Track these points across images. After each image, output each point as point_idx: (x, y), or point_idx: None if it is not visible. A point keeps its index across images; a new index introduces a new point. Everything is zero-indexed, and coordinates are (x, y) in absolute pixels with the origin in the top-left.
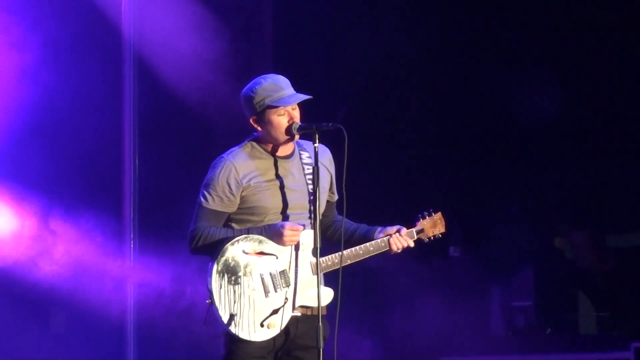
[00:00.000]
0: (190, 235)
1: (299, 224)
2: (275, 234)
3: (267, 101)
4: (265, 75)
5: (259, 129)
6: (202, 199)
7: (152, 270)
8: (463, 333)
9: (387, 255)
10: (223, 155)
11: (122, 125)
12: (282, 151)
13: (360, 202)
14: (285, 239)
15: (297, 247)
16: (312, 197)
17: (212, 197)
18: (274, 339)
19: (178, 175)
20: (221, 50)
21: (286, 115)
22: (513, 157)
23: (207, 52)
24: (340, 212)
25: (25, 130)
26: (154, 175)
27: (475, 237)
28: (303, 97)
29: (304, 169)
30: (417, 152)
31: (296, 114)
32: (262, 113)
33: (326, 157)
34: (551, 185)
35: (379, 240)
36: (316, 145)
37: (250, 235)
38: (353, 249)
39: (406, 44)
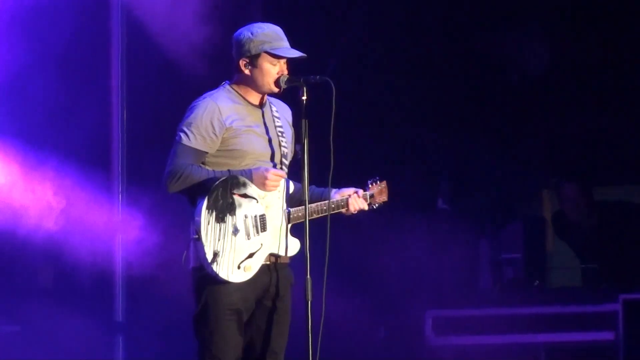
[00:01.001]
0: (169, 173)
1: (283, 172)
2: (258, 176)
3: (266, 47)
4: (265, 23)
5: (246, 72)
6: (182, 136)
7: (142, 224)
8: (451, 286)
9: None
10: (204, 95)
11: (110, 75)
12: (256, 100)
13: (346, 158)
14: (268, 182)
15: (275, 194)
16: (282, 149)
17: (195, 135)
18: (245, 288)
19: (168, 126)
20: (210, 4)
21: (277, 67)
22: (502, 111)
23: (196, 5)
24: (318, 170)
25: (13, 85)
26: (143, 125)
27: (464, 189)
28: (299, 53)
29: (274, 121)
30: (406, 107)
31: (285, 68)
32: (255, 57)
33: (289, 115)
34: (540, 138)
35: (339, 199)
36: (304, 97)
37: (237, 176)
38: (318, 203)
39: (394, 6)
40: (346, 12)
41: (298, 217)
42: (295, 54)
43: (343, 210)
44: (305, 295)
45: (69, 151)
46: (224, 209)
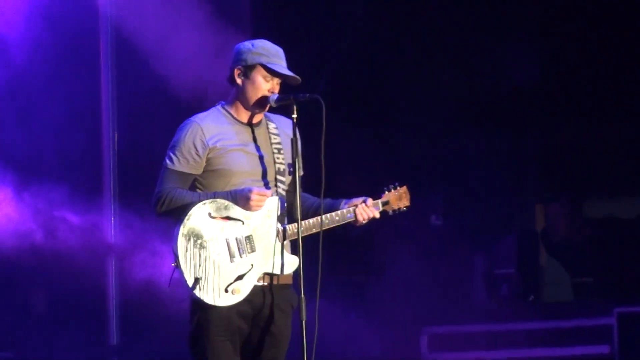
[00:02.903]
0: (155, 197)
1: (269, 191)
2: (242, 197)
3: (263, 60)
4: (269, 42)
5: (239, 82)
6: (167, 160)
7: (134, 246)
8: (446, 302)
9: (351, 225)
10: (190, 118)
11: (100, 98)
12: (247, 118)
13: (339, 173)
14: (252, 203)
15: (263, 214)
16: (277, 166)
17: (178, 159)
18: (241, 310)
19: (158, 150)
20: (199, 23)
21: (270, 84)
22: (494, 124)
23: (185, 26)
24: (319, 185)
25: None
26: (134, 150)
27: (457, 205)
28: (294, 75)
29: (270, 138)
30: (398, 121)
31: (277, 89)
32: (250, 68)
33: (290, 130)
34: (532, 152)
35: (345, 210)
36: (294, 116)
37: (217, 199)
38: (318, 217)
39: (388, 14)
40: (338, 27)
41: (294, 234)
42: (290, 73)
43: (351, 220)
44: (300, 314)
45: (60, 174)
46: (202, 234)
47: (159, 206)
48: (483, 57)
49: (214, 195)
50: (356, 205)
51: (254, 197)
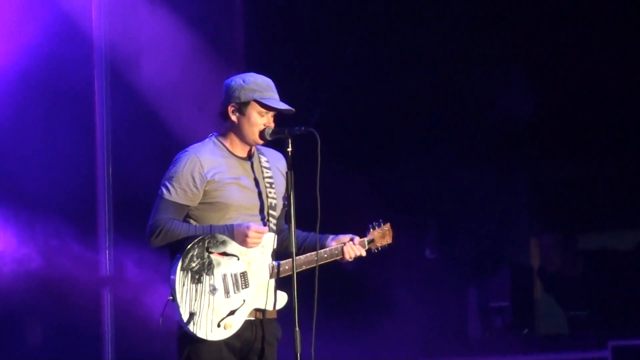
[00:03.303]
0: (150, 228)
1: (264, 229)
2: (239, 233)
3: (256, 96)
4: (258, 74)
5: (233, 118)
6: (164, 190)
7: (130, 281)
8: (440, 335)
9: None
10: (187, 149)
11: (95, 132)
12: (243, 152)
13: (330, 206)
14: (249, 240)
15: (258, 250)
16: (269, 200)
17: (175, 190)
18: (230, 344)
19: (154, 182)
20: (192, 56)
21: (265, 118)
22: (488, 158)
23: (179, 57)
24: (314, 218)
25: None
26: (129, 182)
27: (451, 239)
28: (289, 107)
29: (263, 172)
30: (390, 155)
31: (272, 121)
32: (244, 105)
33: (282, 164)
34: (524, 186)
35: (333, 248)
36: (289, 149)
37: (216, 234)
38: (308, 254)
39: (378, 48)
40: (332, 57)
41: (286, 270)
42: (284, 106)
43: (338, 258)
44: (294, 347)
45: (55, 207)
46: (200, 270)
47: (154, 237)
48: (475, 93)
49: (210, 229)
50: (344, 243)
51: (251, 234)
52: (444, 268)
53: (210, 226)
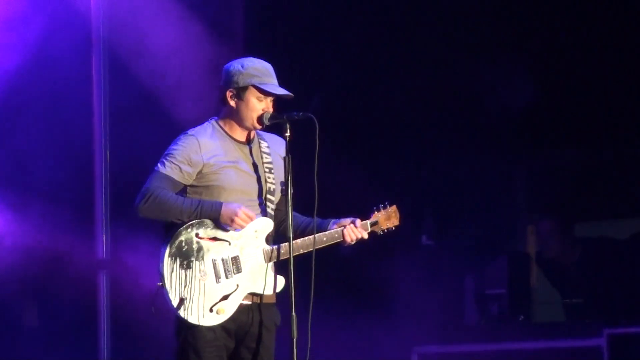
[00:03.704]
0: (141, 194)
1: (253, 213)
2: (227, 212)
3: (255, 81)
4: (257, 59)
5: (232, 104)
6: (159, 165)
7: (126, 264)
8: (437, 322)
9: (343, 246)
10: (187, 131)
11: (92, 116)
12: (242, 136)
13: (329, 193)
14: (236, 220)
15: (250, 234)
16: (268, 185)
17: (170, 164)
18: (226, 327)
19: (151, 165)
20: (191, 41)
21: (263, 103)
22: (486, 145)
23: (179, 43)
24: (312, 204)
25: None
26: (126, 165)
27: (448, 225)
28: (287, 92)
29: (262, 157)
30: (389, 142)
31: (271, 107)
32: (243, 89)
33: (283, 150)
34: (523, 172)
35: (332, 231)
36: (287, 134)
37: (205, 220)
38: (306, 237)
39: (378, 35)
40: (332, 43)
41: (284, 254)
42: (283, 92)
43: (339, 241)
44: (291, 332)
45: (52, 191)
46: (188, 255)
47: (143, 202)
48: (473, 81)
49: (200, 203)
50: (344, 226)
51: (240, 214)
52: (440, 255)
53: (200, 200)
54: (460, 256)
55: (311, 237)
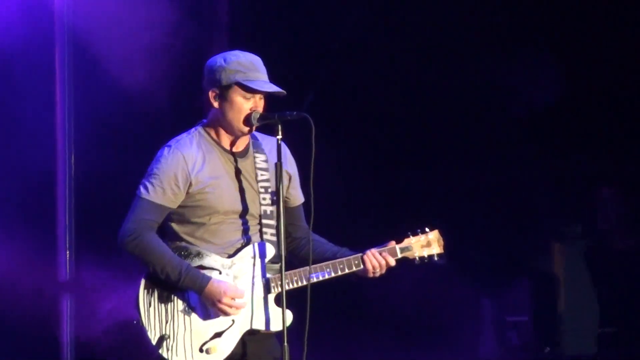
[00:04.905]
0: (127, 231)
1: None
2: (211, 294)
3: (239, 77)
4: (242, 52)
5: (216, 105)
6: (142, 190)
7: (91, 284)
8: (449, 351)
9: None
10: (169, 143)
11: (55, 120)
12: (233, 146)
13: (327, 206)
14: (219, 305)
15: (247, 261)
16: (263, 208)
17: (155, 189)
18: None
19: (120, 177)
20: (170, 33)
21: (251, 102)
22: (506, 153)
23: (154, 35)
24: (307, 215)
25: None
26: (92, 176)
27: (464, 243)
28: (277, 88)
29: (257, 175)
30: (397, 149)
31: (261, 105)
32: (226, 88)
33: (286, 157)
34: (547, 183)
35: (351, 257)
36: (279, 137)
37: (189, 246)
38: (319, 265)
39: (380, 24)
40: (327, 31)
41: (289, 283)
42: (272, 88)
43: (358, 270)
44: None
45: (11, 205)
46: (167, 286)
47: (130, 240)
48: (493, 82)
49: (186, 271)
50: (364, 252)
51: (224, 301)
52: (454, 276)
53: (187, 267)
54: (476, 277)
55: (324, 264)
